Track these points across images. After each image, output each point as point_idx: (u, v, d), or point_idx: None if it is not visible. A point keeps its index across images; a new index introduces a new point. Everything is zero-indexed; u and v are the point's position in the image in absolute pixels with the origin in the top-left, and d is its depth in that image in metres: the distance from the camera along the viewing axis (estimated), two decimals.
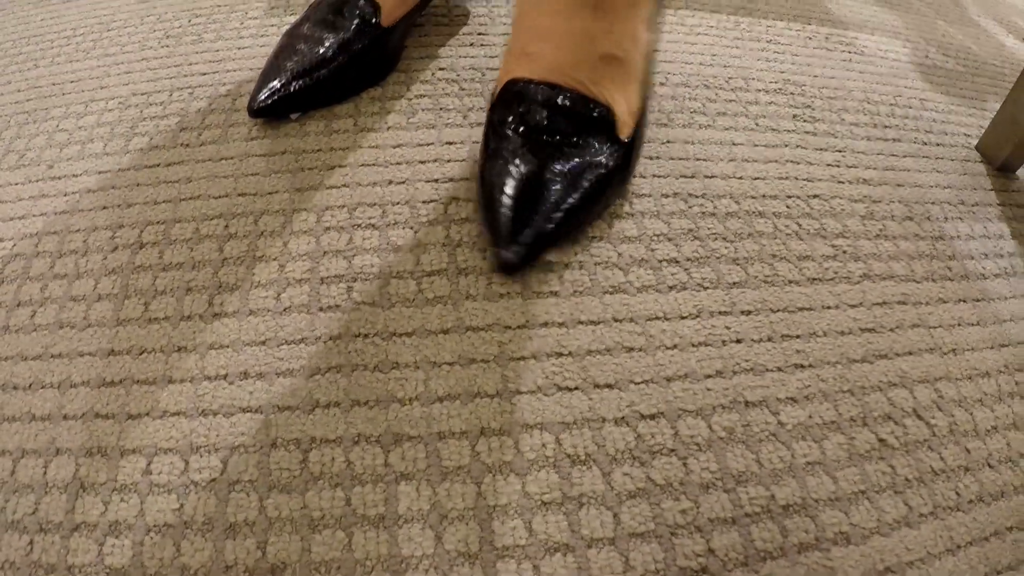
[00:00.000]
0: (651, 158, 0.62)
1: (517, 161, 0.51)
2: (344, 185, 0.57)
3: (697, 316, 0.50)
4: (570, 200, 0.51)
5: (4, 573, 0.38)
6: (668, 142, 0.64)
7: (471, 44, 0.74)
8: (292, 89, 0.61)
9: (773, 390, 0.47)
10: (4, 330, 0.49)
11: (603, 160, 0.53)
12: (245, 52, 0.73)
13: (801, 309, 0.52)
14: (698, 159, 0.63)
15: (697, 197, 0.59)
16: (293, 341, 0.47)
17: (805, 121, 0.71)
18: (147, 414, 0.44)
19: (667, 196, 0.59)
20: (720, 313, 0.51)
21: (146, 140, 0.62)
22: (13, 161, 0.62)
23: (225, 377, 0.45)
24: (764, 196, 0.61)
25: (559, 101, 0.53)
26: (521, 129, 0.53)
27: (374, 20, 0.65)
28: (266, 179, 0.58)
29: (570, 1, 0.52)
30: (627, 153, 0.55)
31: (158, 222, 0.55)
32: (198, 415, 0.44)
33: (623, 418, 0.45)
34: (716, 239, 0.56)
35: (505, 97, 0.54)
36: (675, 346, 0.49)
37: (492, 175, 0.51)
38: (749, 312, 0.51)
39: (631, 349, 0.48)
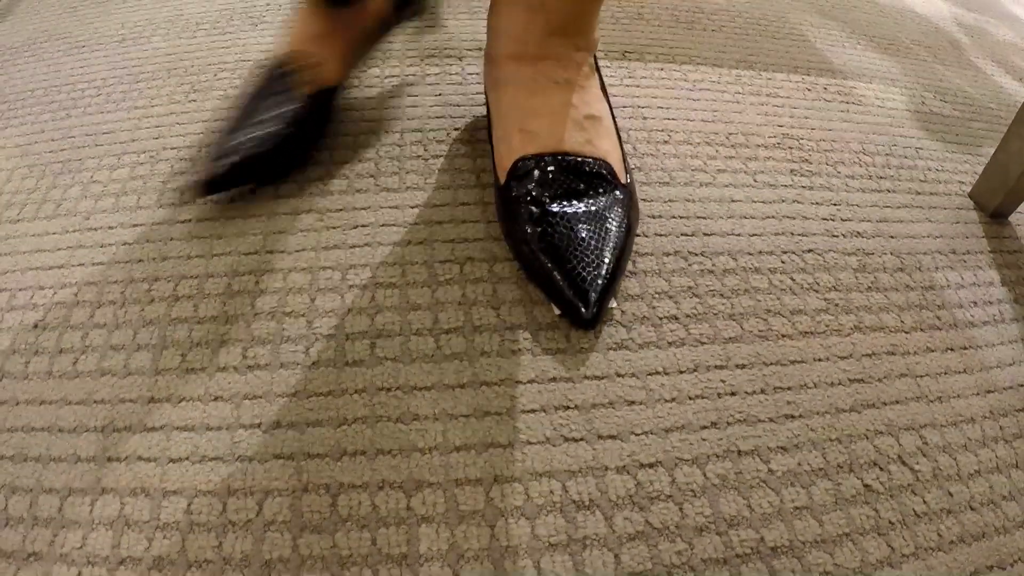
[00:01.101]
0: (653, 217, 0.65)
1: (556, 230, 0.56)
2: (366, 244, 0.61)
3: (694, 371, 0.54)
4: (612, 246, 0.56)
5: None
6: (670, 201, 0.67)
7: (483, 102, 0.78)
8: (239, 162, 0.62)
9: (765, 439, 0.50)
10: (48, 375, 0.52)
11: (619, 202, 0.58)
12: None
13: (793, 362, 0.55)
14: (698, 217, 0.66)
15: (697, 255, 0.62)
16: (321, 393, 0.50)
17: (802, 176, 0.74)
18: (187, 458, 0.47)
19: (668, 254, 0.62)
20: (716, 367, 0.54)
21: (177, 195, 0.66)
22: (50, 210, 0.65)
23: (259, 426, 0.49)
24: (761, 252, 0.64)
25: (570, 166, 0.58)
26: (546, 199, 0.57)
27: (313, 84, 0.67)
28: (292, 237, 0.61)
29: (549, 81, 0.61)
30: (632, 192, 0.60)
31: (192, 276, 0.58)
32: (234, 460, 0.47)
33: (624, 467, 0.48)
34: (714, 296, 0.59)
35: (519, 174, 0.59)
36: (673, 399, 0.52)
37: (540, 249, 0.56)
38: (744, 366, 0.54)
39: (632, 402, 0.51)
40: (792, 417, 0.52)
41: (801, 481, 0.49)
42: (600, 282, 0.54)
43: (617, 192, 0.59)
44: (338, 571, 0.42)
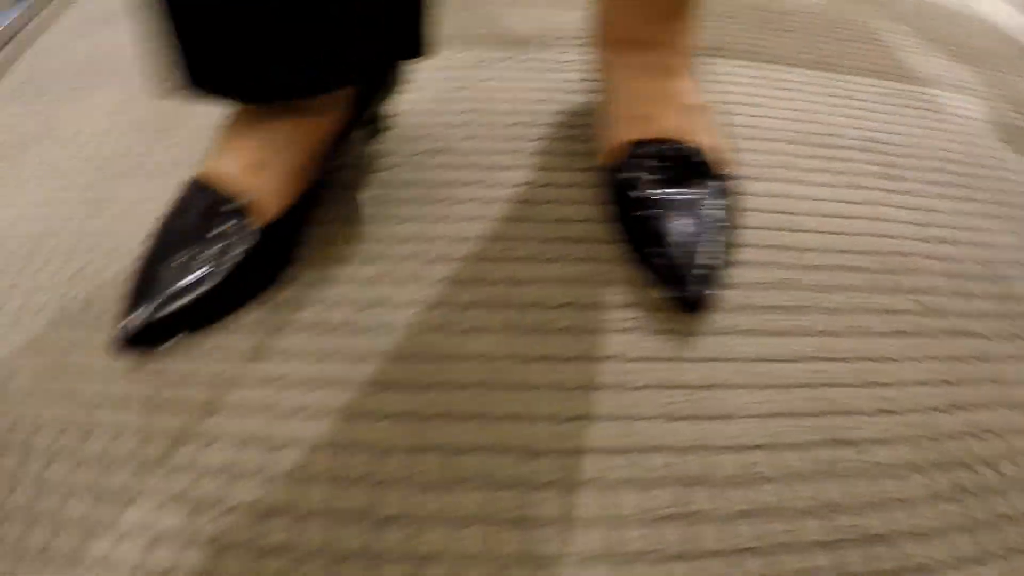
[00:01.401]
0: (746, 211, 0.66)
1: (662, 215, 0.57)
2: (471, 219, 0.63)
3: (795, 360, 0.55)
4: (717, 234, 0.58)
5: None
6: (760, 196, 0.68)
7: (578, 90, 0.79)
8: (167, 312, 0.52)
9: (863, 431, 0.51)
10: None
11: (723, 192, 0.60)
12: None
13: (886, 359, 0.56)
14: (788, 213, 0.67)
15: (789, 249, 0.63)
16: (435, 358, 0.52)
17: (886, 179, 0.74)
18: (298, 413, 0.49)
19: (763, 248, 0.63)
20: (814, 359, 0.55)
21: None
22: (149, 169, 0.67)
23: (372, 385, 0.51)
24: (850, 251, 0.64)
25: (677, 153, 0.60)
26: (653, 184, 0.59)
27: (248, 222, 0.55)
28: (399, 208, 0.64)
29: (657, 68, 0.64)
30: (733, 184, 0.62)
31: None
32: (347, 418, 0.49)
33: (730, 447, 0.49)
34: (808, 290, 0.60)
35: (627, 158, 0.61)
36: (775, 386, 0.53)
37: (646, 233, 0.58)
38: (841, 359, 0.56)
39: (737, 386, 0.53)
40: (888, 412, 0.53)
41: (897, 474, 0.50)
42: (705, 269, 0.55)
43: (721, 182, 0.60)
44: (454, 530, 0.44)
